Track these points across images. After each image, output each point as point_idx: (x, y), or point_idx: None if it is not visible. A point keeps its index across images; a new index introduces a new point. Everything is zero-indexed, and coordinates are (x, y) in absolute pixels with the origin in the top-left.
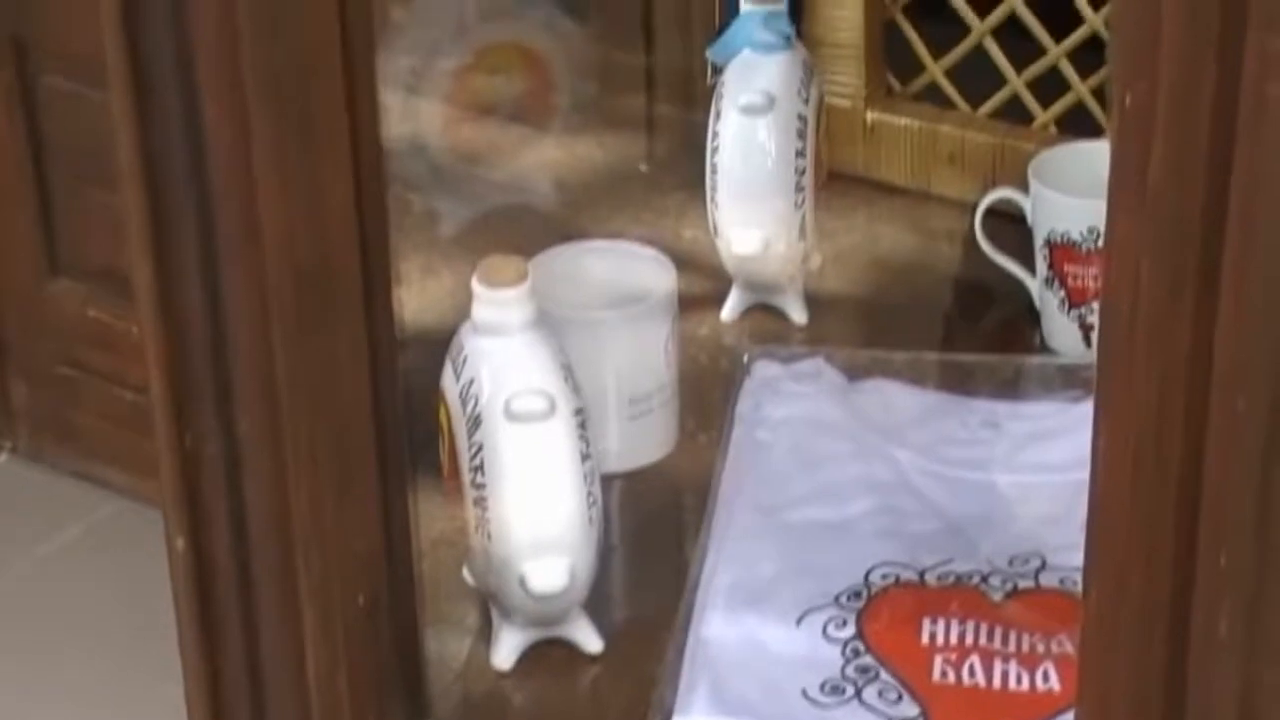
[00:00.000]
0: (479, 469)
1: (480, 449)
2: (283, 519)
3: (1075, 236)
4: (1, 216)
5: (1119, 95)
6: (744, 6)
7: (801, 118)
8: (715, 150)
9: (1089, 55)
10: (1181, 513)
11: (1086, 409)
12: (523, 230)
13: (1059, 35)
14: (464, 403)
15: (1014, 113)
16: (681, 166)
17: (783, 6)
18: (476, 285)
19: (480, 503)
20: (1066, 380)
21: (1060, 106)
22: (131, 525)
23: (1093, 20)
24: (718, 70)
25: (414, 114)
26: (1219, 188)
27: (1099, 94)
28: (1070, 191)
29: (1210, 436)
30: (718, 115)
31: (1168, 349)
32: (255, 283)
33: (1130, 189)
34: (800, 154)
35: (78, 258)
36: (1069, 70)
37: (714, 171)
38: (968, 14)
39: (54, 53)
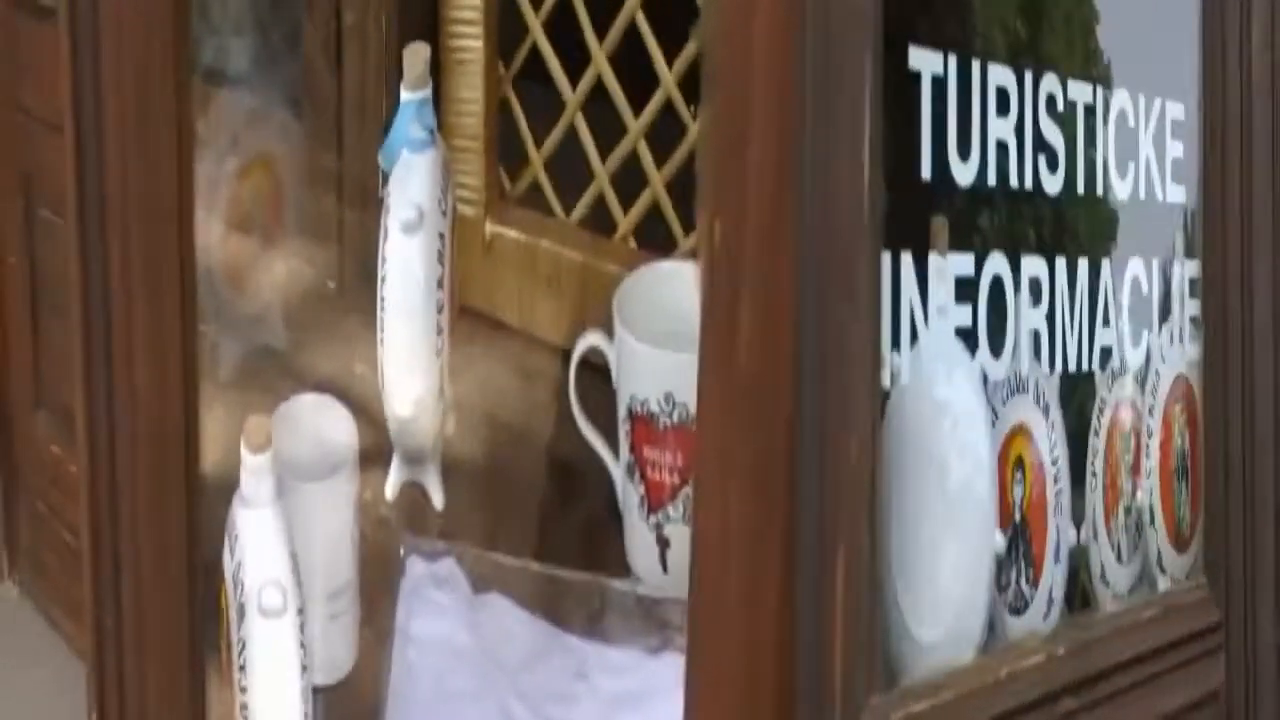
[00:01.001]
0: (243, 668)
1: (244, 646)
2: (142, 701)
3: (654, 407)
4: (9, 344)
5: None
6: (403, 95)
7: (442, 236)
8: (383, 280)
9: (668, 133)
10: None
11: (664, 664)
12: (266, 367)
13: (640, 108)
14: (236, 586)
15: (600, 218)
16: (367, 283)
17: (428, 92)
18: (242, 449)
19: (244, 709)
20: (645, 619)
21: (640, 207)
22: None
23: (668, 81)
24: (386, 178)
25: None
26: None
27: (671, 190)
28: (652, 329)
29: None
30: (385, 234)
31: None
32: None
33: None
34: (440, 284)
35: (52, 391)
36: (647, 157)
37: (383, 308)
38: (563, 83)
39: (47, 188)
